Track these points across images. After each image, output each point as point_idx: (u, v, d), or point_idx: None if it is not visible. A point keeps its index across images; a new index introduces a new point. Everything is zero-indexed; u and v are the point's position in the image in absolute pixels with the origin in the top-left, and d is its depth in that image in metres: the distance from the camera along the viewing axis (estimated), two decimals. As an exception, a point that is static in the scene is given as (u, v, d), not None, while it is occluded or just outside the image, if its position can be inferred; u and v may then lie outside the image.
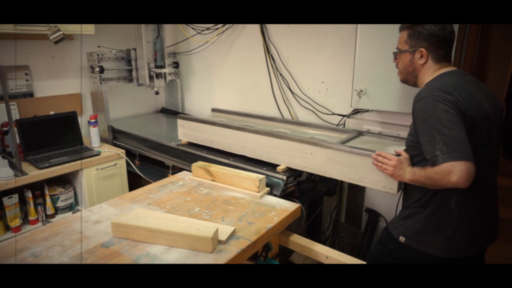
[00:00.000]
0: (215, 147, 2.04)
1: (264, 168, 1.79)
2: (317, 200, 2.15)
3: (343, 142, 1.68)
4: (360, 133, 1.86)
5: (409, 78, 1.38)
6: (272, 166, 1.80)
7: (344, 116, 2.13)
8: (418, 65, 1.32)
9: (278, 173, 1.73)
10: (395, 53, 1.40)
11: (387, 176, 1.38)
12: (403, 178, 1.31)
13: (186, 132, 2.17)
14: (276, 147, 1.77)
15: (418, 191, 1.26)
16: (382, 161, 1.38)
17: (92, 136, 2.34)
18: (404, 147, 1.49)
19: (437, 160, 1.10)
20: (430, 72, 1.30)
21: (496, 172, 1.30)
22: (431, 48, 1.28)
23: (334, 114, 2.17)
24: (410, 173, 1.28)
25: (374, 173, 1.45)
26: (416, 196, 1.29)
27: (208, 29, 2.69)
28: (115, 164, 2.29)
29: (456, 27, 1.68)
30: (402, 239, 1.30)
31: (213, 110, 2.59)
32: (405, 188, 1.40)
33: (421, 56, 1.30)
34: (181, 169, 2.02)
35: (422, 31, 1.27)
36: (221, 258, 1.10)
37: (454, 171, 1.06)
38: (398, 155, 1.36)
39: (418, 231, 1.26)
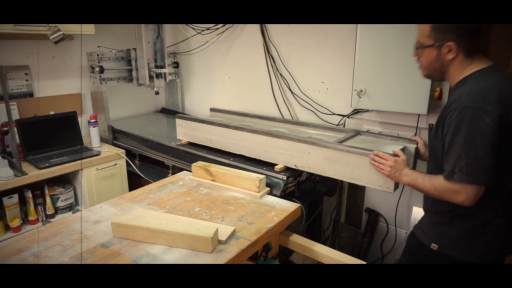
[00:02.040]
0: (214, 146, 2.04)
1: (264, 168, 1.79)
2: (317, 200, 2.15)
3: (341, 142, 1.69)
4: (357, 133, 1.87)
5: (435, 74, 1.24)
6: (272, 166, 1.80)
7: (344, 116, 2.13)
8: (446, 60, 1.18)
9: (278, 173, 1.73)
10: (416, 48, 1.24)
11: (383, 175, 1.38)
12: (399, 180, 1.29)
13: (185, 132, 2.18)
14: (274, 147, 1.77)
15: None
16: (379, 161, 1.37)
17: (92, 136, 2.34)
18: (400, 147, 1.50)
19: (452, 177, 1.08)
20: (462, 68, 1.17)
21: None
22: (461, 40, 1.13)
23: (334, 114, 2.17)
24: (408, 177, 1.26)
25: (371, 172, 1.46)
26: (449, 202, 1.17)
27: (208, 29, 2.69)
28: (115, 164, 2.29)
29: (456, 27, 1.68)
30: (434, 246, 1.22)
31: (212, 109, 2.60)
32: None
33: (449, 51, 1.15)
34: (181, 169, 2.02)
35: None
36: (221, 258, 1.10)
37: (463, 192, 1.06)
38: (396, 155, 1.34)
39: (452, 237, 1.19)
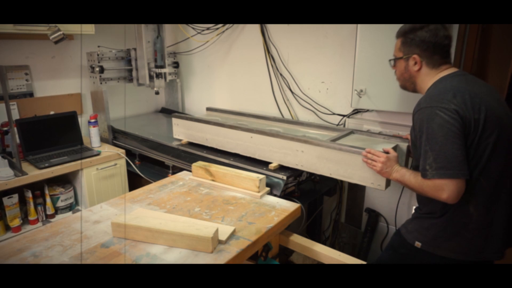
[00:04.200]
0: (209, 145, 2.06)
1: (264, 168, 1.79)
2: (317, 200, 2.15)
3: (334, 140, 1.71)
4: (351, 131, 1.89)
5: (407, 84, 1.39)
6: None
7: (344, 116, 2.13)
8: (413, 71, 1.32)
9: (278, 173, 1.73)
10: (392, 61, 1.41)
11: (375, 173, 1.42)
12: (390, 176, 1.34)
13: (181, 131, 2.20)
14: (268, 145, 1.79)
15: None
16: (371, 158, 1.41)
17: (92, 136, 2.34)
18: (392, 145, 1.57)
19: (426, 175, 1.15)
20: (429, 78, 1.30)
21: None
22: (424, 54, 1.28)
23: (334, 114, 2.17)
24: (397, 173, 1.31)
25: (363, 170, 1.49)
26: (433, 201, 1.23)
27: (208, 29, 2.69)
28: (115, 164, 2.29)
29: (456, 27, 1.69)
30: (418, 244, 1.28)
31: (208, 109, 2.62)
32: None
33: (415, 63, 1.30)
34: (181, 169, 2.02)
35: (414, 38, 1.28)
36: (221, 258, 1.10)
37: (445, 189, 1.11)
38: (387, 152, 1.39)
39: (436, 236, 1.25)
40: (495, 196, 1.19)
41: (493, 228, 1.21)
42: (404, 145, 1.60)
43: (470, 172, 1.14)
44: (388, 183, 1.47)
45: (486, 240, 1.21)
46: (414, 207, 1.40)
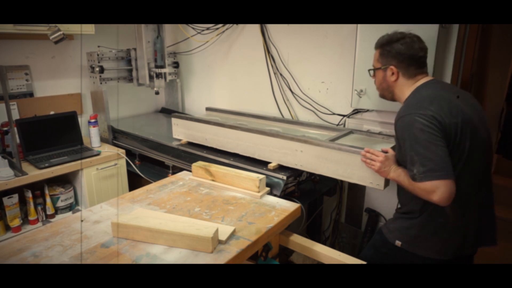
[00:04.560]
0: (209, 145, 2.06)
1: (264, 168, 1.79)
2: (317, 200, 2.15)
3: (333, 140, 1.72)
4: (350, 131, 1.90)
5: (385, 93, 1.45)
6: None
7: (344, 116, 2.13)
8: (390, 81, 1.38)
9: (278, 173, 1.73)
10: (371, 71, 1.47)
11: (374, 172, 1.43)
12: (388, 175, 1.37)
13: (180, 131, 2.21)
14: (267, 145, 1.80)
15: (413, 196, 1.27)
16: (370, 157, 1.44)
17: (92, 136, 2.34)
18: (390, 145, 1.59)
19: (415, 179, 1.18)
20: (405, 88, 1.36)
21: (490, 173, 1.33)
22: (400, 65, 1.34)
23: (334, 114, 2.17)
24: (394, 172, 1.34)
25: (362, 170, 1.50)
26: (412, 201, 1.32)
27: (208, 29, 2.69)
28: (115, 164, 2.29)
29: (456, 27, 1.69)
30: (398, 243, 1.34)
31: (208, 109, 2.62)
32: (399, 193, 1.44)
33: (392, 73, 1.36)
34: (181, 169, 2.02)
35: (390, 50, 1.34)
36: (221, 258, 1.10)
37: (436, 191, 1.13)
38: (386, 152, 1.42)
39: (415, 235, 1.31)
40: (470, 198, 1.25)
41: (469, 228, 1.28)
42: None
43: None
44: (387, 182, 1.47)
45: (462, 239, 1.28)
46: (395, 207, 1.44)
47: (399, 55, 1.33)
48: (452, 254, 1.29)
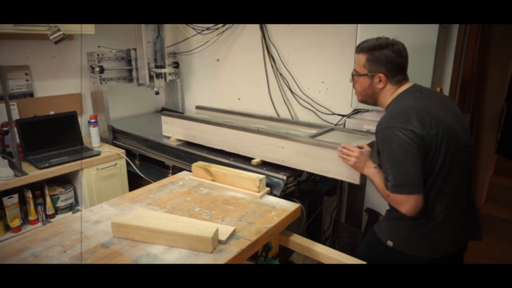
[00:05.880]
0: (197, 142, 2.12)
1: (264, 168, 1.79)
2: (317, 200, 2.15)
3: (313, 136, 1.76)
4: (331, 128, 1.97)
5: (368, 99, 1.44)
6: (272, 166, 1.80)
7: (344, 116, 2.13)
8: (377, 89, 1.37)
9: (278, 173, 1.73)
10: (353, 75, 1.43)
11: (350, 167, 1.48)
12: (362, 170, 1.41)
13: (169, 128, 2.25)
14: (251, 141, 1.85)
15: None
16: (346, 153, 1.48)
17: (92, 136, 2.34)
18: (369, 141, 1.63)
19: (388, 188, 1.25)
20: (389, 94, 1.36)
21: (471, 173, 1.37)
22: (389, 74, 1.33)
23: (334, 114, 2.17)
24: (369, 169, 1.39)
25: (339, 165, 1.55)
26: None
27: (208, 29, 2.69)
28: (115, 164, 2.29)
29: (456, 27, 1.69)
30: (390, 243, 1.36)
31: (197, 107, 2.68)
32: None
33: (380, 81, 1.34)
34: (181, 169, 2.03)
35: (380, 57, 1.31)
36: (221, 258, 1.10)
37: (404, 204, 1.20)
38: (361, 148, 1.46)
39: (405, 237, 1.34)
40: (455, 200, 1.28)
41: (457, 227, 1.31)
42: None
43: (434, 181, 1.24)
44: (363, 178, 1.52)
45: (452, 238, 1.32)
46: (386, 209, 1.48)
47: (389, 63, 1.31)
48: (442, 253, 1.32)
